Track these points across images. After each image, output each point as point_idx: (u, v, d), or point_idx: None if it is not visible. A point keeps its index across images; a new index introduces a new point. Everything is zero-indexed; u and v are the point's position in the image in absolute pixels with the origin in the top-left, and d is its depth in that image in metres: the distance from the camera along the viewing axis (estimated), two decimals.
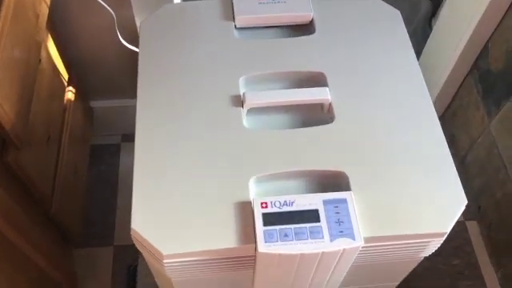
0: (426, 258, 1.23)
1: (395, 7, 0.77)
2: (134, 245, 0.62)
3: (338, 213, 0.57)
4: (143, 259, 0.69)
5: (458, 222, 1.30)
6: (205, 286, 0.68)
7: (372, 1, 0.78)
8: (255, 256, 0.57)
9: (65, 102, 1.07)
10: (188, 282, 0.65)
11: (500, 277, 1.20)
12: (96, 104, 1.26)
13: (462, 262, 1.22)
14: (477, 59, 1.20)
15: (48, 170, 0.97)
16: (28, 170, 0.86)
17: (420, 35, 1.30)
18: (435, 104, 1.34)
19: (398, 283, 0.75)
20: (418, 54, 1.32)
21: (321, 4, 0.76)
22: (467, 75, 1.25)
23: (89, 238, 1.22)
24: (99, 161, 1.32)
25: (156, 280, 0.75)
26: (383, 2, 0.78)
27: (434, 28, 1.26)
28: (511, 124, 1.09)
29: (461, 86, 1.28)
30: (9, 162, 0.80)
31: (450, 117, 1.36)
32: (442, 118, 1.38)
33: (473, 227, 1.27)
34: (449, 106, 1.35)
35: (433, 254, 1.23)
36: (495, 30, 1.12)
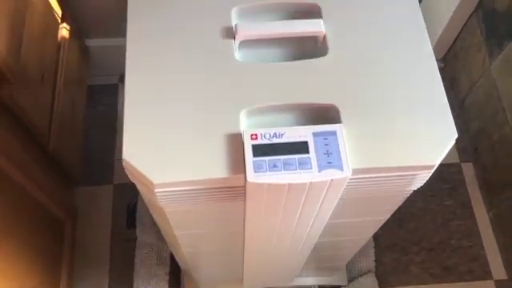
0: (420, 198, 1.25)
1: None
2: (133, 183, 0.63)
3: (327, 145, 0.57)
4: (142, 197, 0.71)
5: (453, 164, 1.32)
6: (198, 218, 0.70)
7: None
8: (245, 186, 0.58)
9: (59, 39, 1.06)
10: (181, 214, 0.67)
11: (491, 216, 1.22)
12: (92, 43, 1.25)
13: (455, 203, 1.25)
14: None
15: (44, 108, 0.97)
16: (24, 106, 0.86)
17: None
18: (437, 45, 1.32)
19: (387, 218, 0.77)
20: None
21: None
22: (471, 15, 1.22)
23: (89, 177, 1.24)
24: (97, 101, 1.32)
25: (152, 214, 0.77)
26: None
27: None
28: None
29: (464, 26, 1.25)
30: (3, 97, 0.80)
31: (451, 59, 1.33)
32: (443, 61, 1.36)
33: (468, 169, 1.28)
34: (450, 48, 1.33)
35: (427, 195, 1.26)
36: None
